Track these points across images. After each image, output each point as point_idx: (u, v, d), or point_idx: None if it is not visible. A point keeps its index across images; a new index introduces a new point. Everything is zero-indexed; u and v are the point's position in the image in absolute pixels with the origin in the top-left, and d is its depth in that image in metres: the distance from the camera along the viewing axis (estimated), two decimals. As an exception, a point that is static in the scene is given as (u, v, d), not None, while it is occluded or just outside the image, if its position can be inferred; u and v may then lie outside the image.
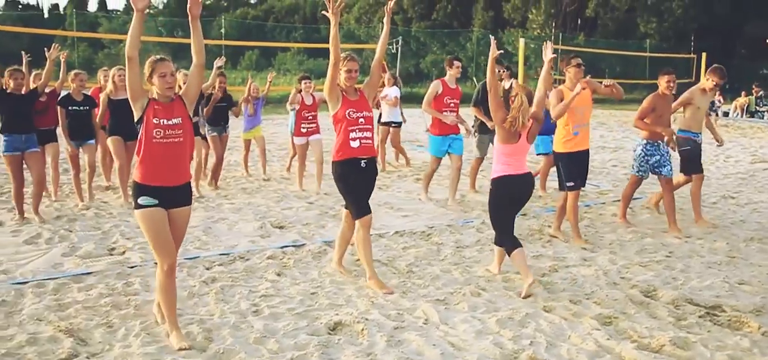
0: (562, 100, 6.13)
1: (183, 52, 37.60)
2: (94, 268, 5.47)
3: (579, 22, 35.08)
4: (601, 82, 6.66)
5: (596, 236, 6.67)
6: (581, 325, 4.40)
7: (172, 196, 4.05)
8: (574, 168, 6.36)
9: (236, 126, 10.37)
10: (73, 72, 7.78)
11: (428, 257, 5.88)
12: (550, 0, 34.69)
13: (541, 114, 5.23)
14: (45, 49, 6.96)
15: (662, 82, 6.79)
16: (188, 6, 4.07)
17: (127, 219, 6.99)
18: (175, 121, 4.01)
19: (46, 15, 63.73)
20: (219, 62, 8.27)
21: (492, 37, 5.80)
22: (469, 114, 8.47)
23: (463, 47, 36.77)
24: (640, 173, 7.00)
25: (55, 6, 70.47)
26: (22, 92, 6.76)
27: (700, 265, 5.75)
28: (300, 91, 8.84)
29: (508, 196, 5.16)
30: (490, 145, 8.01)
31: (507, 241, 5.12)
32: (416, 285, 5.17)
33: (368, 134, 5.03)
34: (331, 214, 7.44)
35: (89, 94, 8.04)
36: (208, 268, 5.51)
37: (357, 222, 5.06)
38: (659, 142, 6.82)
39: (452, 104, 7.84)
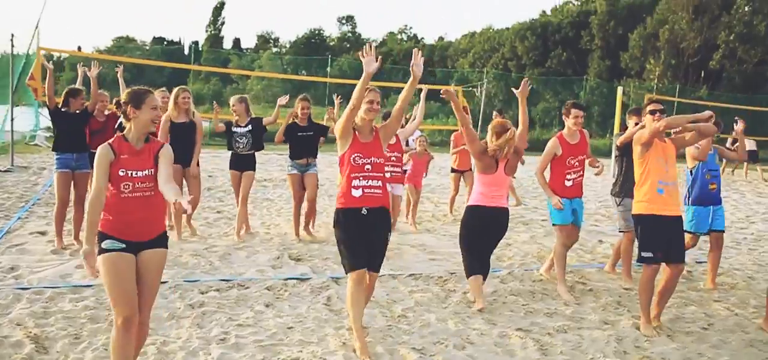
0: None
1: (305, 90, 39.48)
2: (95, 281, 5.61)
3: (703, 74, 32.83)
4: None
5: (634, 297, 6.00)
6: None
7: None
8: (656, 236, 5.13)
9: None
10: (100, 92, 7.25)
11: (430, 304, 5.54)
12: (670, 51, 32.82)
13: (521, 147, 5.51)
14: (85, 69, 7.22)
15: None
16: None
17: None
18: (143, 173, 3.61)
19: (186, 51, 69.15)
20: (282, 101, 7.72)
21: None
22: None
23: (576, 96, 35.57)
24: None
25: (195, 42, 76.41)
26: (77, 112, 6.97)
27: (739, 342, 4.99)
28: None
29: (480, 227, 5.43)
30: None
31: (470, 264, 5.48)
32: (401, 331, 4.86)
33: (375, 182, 4.44)
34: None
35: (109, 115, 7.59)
36: (203, 293, 5.50)
37: (348, 276, 4.48)
38: None
39: (576, 164, 6.15)
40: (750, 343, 4.98)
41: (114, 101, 3.96)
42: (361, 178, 4.42)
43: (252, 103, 8.00)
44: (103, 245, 3.53)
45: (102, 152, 3.58)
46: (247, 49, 72.73)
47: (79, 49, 73.31)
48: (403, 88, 4.54)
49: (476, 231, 5.48)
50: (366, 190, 4.41)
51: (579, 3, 43.86)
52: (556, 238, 6.18)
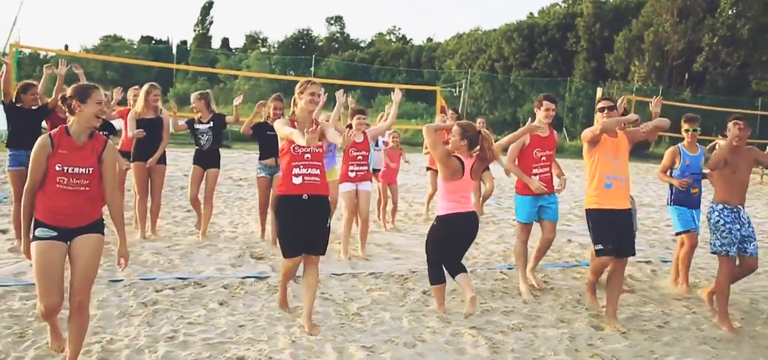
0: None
1: (293, 90, 39.28)
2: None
3: (686, 77, 33.03)
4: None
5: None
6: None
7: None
8: (606, 229, 5.19)
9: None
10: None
11: (388, 302, 5.51)
12: (654, 53, 32.99)
13: (495, 155, 5.34)
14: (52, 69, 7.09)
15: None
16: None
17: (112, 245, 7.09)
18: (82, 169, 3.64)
19: (174, 51, 68.85)
20: (237, 101, 7.72)
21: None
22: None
23: (561, 97, 35.71)
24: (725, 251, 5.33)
25: (184, 42, 76.05)
26: (33, 108, 6.78)
27: (692, 341, 4.99)
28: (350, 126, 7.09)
29: (453, 234, 5.24)
30: None
31: (434, 274, 5.30)
32: (354, 329, 4.83)
33: (314, 170, 4.66)
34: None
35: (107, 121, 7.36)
36: (158, 291, 5.45)
37: (284, 260, 4.80)
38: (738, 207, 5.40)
39: (544, 159, 6.08)
40: (703, 341, 4.99)
41: (60, 96, 3.92)
42: (300, 166, 4.63)
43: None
44: (36, 233, 3.60)
45: (40, 144, 3.60)
46: (235, 48, 72.49)
47: (66, 47, 73.01)
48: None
49: (447, 240, 5.25)
50: (306, 178, 4.63)
51: (566, 5, 44.04)
52: (517, 235, 6.17)
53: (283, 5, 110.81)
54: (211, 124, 7.51)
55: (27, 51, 16.81)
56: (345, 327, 4.87)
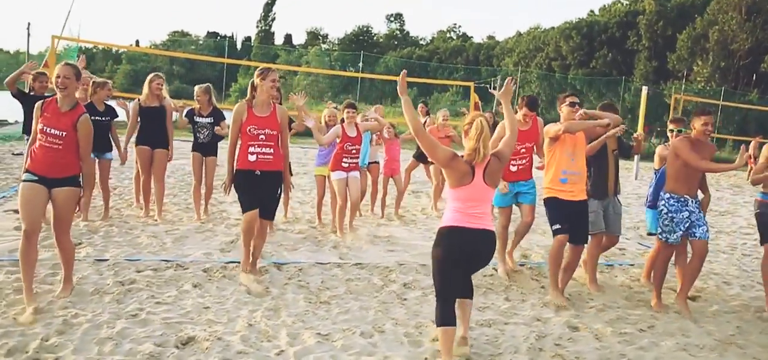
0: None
1: (352, 86, 39.79)
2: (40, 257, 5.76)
3: (754, 77, 31.47)
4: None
5: (583, 296, 5.79)
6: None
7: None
8: (560, 213, 5.49)
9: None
10: (99, 80, 7.53)
11: (362, 292, 5.47)
12: (719, 52, 31.57)
13: (508, 154, 4.23)
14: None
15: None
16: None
17: (115, 227, 7.34)
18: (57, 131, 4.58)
19: (239, 46, 70.61)
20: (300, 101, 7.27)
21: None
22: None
23: (621, 97, 34.68)
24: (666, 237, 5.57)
25: (248, 38, 77.86)
26: (46, 95, 7.05)
27: (672, 346, 4.74)
28: (343, 120, 7.58)
29: (456, 253, 3.98)
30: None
31: (443, 310, 4.00)
32: (316, 317, 4.82)
33: (268, 150, 5.44)
34: (318, 239, 7.26)
35: (112, 105, 7.81)
36: (139, 271, 5.59)
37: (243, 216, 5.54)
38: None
39: (523, 151, 6.26)
40: (683, 348, 4.73)
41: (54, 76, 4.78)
42: (256, 145, 5.40)
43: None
44: (22, 177, 4.62)
45: (37, 106, 4.72)
46: (297, 45, 73.64)
47: (137, 43, 76.07)
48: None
49: (452, 260, 4.00)
50: (260, 156, 5.42)
51: (628, 2, 42.71)
52: (497, 219, 6.20)
53: (344, 2, 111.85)
54: (211, 118, 7.65)
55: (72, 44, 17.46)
56: (308, 314, 4.86)
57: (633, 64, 37.93)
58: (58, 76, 4.65)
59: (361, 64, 38.79)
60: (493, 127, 5.86)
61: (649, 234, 6.59)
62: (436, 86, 41.24)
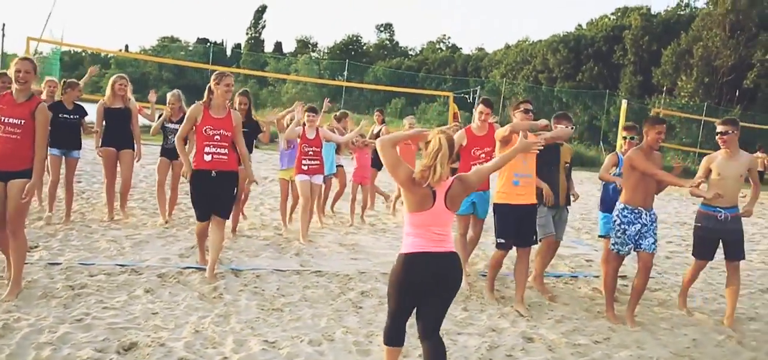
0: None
1: (340, 95, 39.78)
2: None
3: (737, 93, 31.70)
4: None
5: (543, 307, 5.74)
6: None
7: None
8: (508, 225, 5.56)
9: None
10: (70, 80, 7.49)
11: (318, 300, 5.40)
12: (703, 68, 31.79)
13: (475, 182, 3.86)
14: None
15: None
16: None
17: (75, 230, 7.24)
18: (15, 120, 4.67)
19: (228, 53, 70.48)
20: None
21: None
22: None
23: (606, 111, 34.84)
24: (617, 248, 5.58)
25: (238, 45, 77.71)
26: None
27: (624, 358, 4.70)
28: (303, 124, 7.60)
29: (414, 281, 3.60)
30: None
31: (390, 329, 3.77)
32: (266, 324, 4.75)
33: (222, 150, 5.60)
34: (281, 246, 7.18)
35: (80, 104, 7.67)
36: (92, 276, 5.50)
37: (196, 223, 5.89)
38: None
39: (483, 156, 6.10)
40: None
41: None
42: (211, 145, 5.54)
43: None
44: None
45: None
46: (287, 53, 73.52)
47: (126, 48, 75.78)
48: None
49: (411, 287, 3.63)
50: (215, 156, 5.56)
51: (615, 17, 42.94)
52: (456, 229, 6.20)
53: (334, 11, 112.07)
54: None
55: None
56: (259, 321, 4.79)
57: (619, 78, 38.09)
58: (18, 71, 4.73)
59: (346, 73, 38.75)
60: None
61: (600, 237, 6.66)
62: (423, 97, 41.32)
